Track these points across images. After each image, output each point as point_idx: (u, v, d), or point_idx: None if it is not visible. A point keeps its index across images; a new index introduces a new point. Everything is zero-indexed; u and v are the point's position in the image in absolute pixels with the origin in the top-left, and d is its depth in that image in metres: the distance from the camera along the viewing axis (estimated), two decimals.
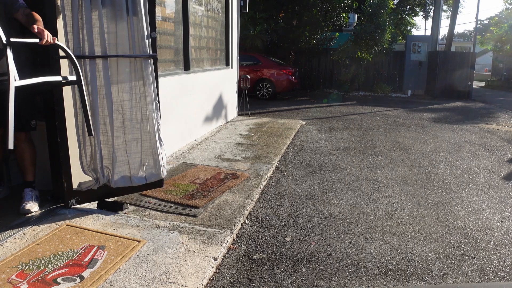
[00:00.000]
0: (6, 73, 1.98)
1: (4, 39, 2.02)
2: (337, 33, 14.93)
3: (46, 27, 2.73)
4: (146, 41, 2.97)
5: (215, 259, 2.48)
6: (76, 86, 2.81)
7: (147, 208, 3.21)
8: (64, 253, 2.40)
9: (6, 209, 2.99)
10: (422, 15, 24.72)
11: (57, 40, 2.43)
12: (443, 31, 53.83)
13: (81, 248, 2.47)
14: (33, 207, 2.93)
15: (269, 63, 11.77)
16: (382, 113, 9.56)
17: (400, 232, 3.02)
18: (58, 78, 2.39)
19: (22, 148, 3.00)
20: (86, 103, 2.52)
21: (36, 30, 2.34)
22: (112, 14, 2.85)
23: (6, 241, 2.52)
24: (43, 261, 2.31)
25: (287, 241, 2.85)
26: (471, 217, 3.34)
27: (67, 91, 2.86)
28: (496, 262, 2.62)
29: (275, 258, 2.62)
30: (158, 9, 4.65)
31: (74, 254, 2.40)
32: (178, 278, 2.23)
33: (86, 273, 2.21)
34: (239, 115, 8.22)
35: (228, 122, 7.43)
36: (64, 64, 2.80)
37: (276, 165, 4.73)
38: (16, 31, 2.71)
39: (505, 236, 3.00)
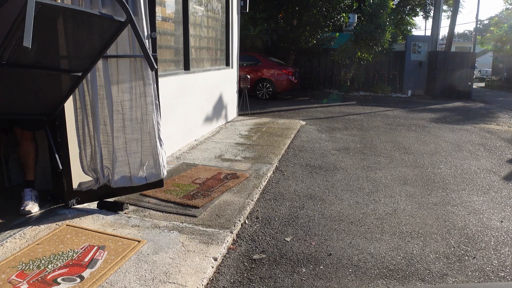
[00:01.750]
0: None
1: None
2: (337, 33, 14.93)
3: None
4: (146, 41, 2.97)
5: (215, 259, 2.48)
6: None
7: (147, 208, 3.21)
8: (64, 253, 2.40)
9: (6, 209, 2.99)
10: (422, 15, 24.71)
11: None
12: (443, 31, 53.85)
13: (81, 248, 2.47)
14: (33, 208, 2.94)
15: (269, 63, 11.77)
16: (382, 113, 9.56)
17: (400, 232, 3.02)
18: (108, 15, 2.30)
19: (28, 146, 3.04)
20: (142, 38, 2.33)
21: None
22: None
23: (6, 241, 2.52)
24: (43, 261, 2.31)
25: (287, 241, 2.85)
26: (471, 217, 3.34)
27: None
28: (496, 262, 2.62)
29: (275, 258, 2.62)
30: (158, 9, 4.65)
31: (74, 254, 2.40)
32: (178, 278, 2.23)
33: (86, 273, 2.21)
34: (239, 115, 8.22)
35: (228, 122, 7.44)
36: None
37: (276, 165, 4.73)
38: None
39: (505, 236, 3.00)
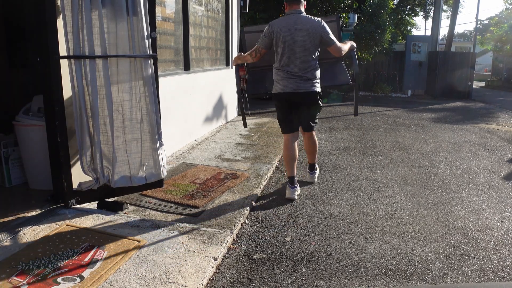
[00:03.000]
0: None
1: None
2: None
3: (46, 27, 2.74)
4: (146, 41, 2.97)
5: (215, 259, 2.48)
6: (76, 84, 2.81)
7: (147, 208, 3.21)
8: (64, 253, 2.40)
9: (6, 209, 2.99)
10: (422, 15, 24.66)
11: None
12: (443, 31, 53.81)
13: (81, 248, 2.47)
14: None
15: None
16: (382, 113, 9.56)
17: (400, 232, 3.02)
18: None
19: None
20: None
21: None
22: (112, 14, 2.85)
23: (6, 241, 2.52)
24: (43, 261, 2.31)
25: (287, 241, 2.85)
26: (471, 217, 3.34)
27: (67, 91, 2.86)
28: (496, 262, 2.62)
29: (275, 258, 2.62)
30: (158, 9, 4.65)
31: (74, 254, 2.40)
32: (178, 278, 2.23)
33: (86, 273, 2.21)
34: (239, 115, 8.21)
35: (228, 122, 7.44)
36: (64, 64, 2.81)
37: (276, 165, 4.73)
38: None
39: (505, 236, 3.00)
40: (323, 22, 3.49)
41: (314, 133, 3.93)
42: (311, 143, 3.96)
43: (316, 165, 4.24)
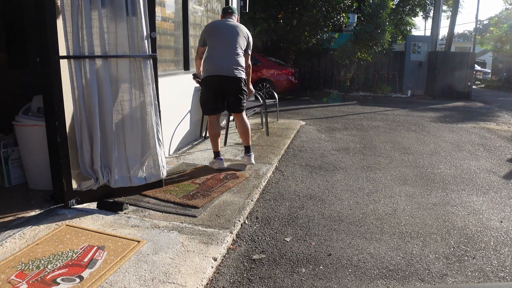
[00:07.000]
0: None
1: None
2: (337, 33, 14.93)
3: (46, 27, 2.74)
4: (146, 41, 2.97)
5: (215, 259, 2.48)
6: (75, 84, 2.81)
7: (147, 208, 3.21)
8: (63, 253, 2.40)
9: (6, 209, 2.99)
10: (422, 15, 24.69)
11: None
12: (443, 31, 53.86)
13: (81, 248, 2.47)
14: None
15: (269, 63, 11.75)
16: (382, 113, 9.56)
17: (400, 233, 3.02)
18: None
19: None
20: None
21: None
22: (112, 14, 2.85)
23: (6, 241, 2.52)
24: (42, 261, 2.31)
25: (287, 241, 2.85)
26: (470, 218, 3.34)
27: (67, 91, 2.86)
28: (495, 262, 2.62)
29: (275, 258, 2.62)
30: (158, 9, 4.64)
31: (74, 254, 2.40)
32: (178, 278, 2.23)
33: (85, 273, 2.21)
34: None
35: (230, 122, 7.43)
36: (63, 64, 2.81)
37: (276, 165, 4.73)
38: None
39: (504, 237, 3.00)
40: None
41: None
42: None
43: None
